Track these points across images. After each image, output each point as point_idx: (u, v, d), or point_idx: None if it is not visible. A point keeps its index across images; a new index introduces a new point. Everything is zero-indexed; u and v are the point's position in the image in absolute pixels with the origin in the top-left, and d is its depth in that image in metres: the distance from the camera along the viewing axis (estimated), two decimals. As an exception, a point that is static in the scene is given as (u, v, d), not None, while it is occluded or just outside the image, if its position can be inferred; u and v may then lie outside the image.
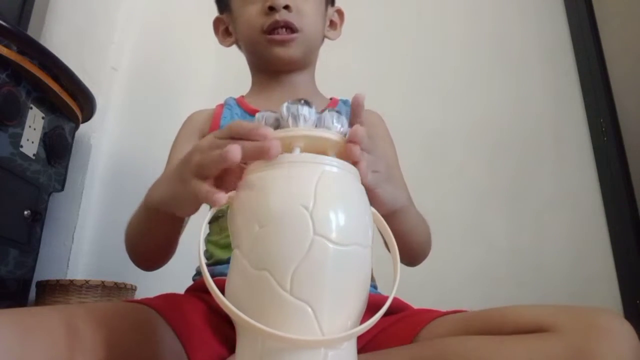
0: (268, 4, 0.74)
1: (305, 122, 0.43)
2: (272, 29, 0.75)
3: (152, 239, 0.62)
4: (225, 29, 0.87)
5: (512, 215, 1.54)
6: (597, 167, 1.53)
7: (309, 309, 0.37)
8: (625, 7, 1.60)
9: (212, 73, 1.84)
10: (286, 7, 0.75)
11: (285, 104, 0.44)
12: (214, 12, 0.89)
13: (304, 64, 0.83)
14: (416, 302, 0.64)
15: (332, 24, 0.88)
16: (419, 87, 1.75)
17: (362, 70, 1.78)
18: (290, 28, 0.76)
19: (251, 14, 0.77)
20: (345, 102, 0.86)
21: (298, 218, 0.38)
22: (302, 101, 0.44)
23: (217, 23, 0.88)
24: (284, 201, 0.39)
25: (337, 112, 0.45)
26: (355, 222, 0.40)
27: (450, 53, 1.77)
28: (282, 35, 0.76)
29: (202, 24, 1.91)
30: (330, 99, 0.87)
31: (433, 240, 0.70)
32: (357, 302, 0.40)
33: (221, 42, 0.88)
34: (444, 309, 0.61)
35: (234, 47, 0.88)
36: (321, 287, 0.37)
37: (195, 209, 0.49)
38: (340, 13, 0.90)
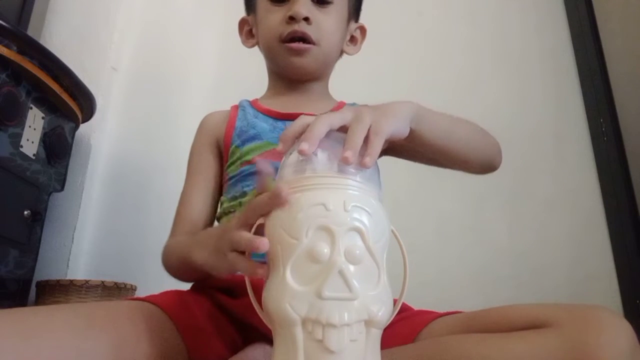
0: (289, 14, 0.77)
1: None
2: (290, 38, 0.77)
3: (191, 275, 0.68)
4: (249, 30, 0.88)
5: (512, 215, 1.54)
6: (597, 167, 1.53)
7: None
8: (625, 7, 1.60)
9: (212, 73, 1.83)
10: (306, 19, 0.77)
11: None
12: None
13: (319, 75, 0.85)
14: (417, 302, 0.64)
15: (353, 40, 0.89)
16: (419, 88, 1.74)
17: (364, 71, 1.78)
18: (307, 40, 0.78)
19: (273, 21, 0.79)
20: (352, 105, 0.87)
21: None
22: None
23: (242, 24, 0.89)
24: None
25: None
26: None
27: (451, 53, 1.77)
28: (298, 45, 0.78)
29: (202, 24, 1.92)
30: (339, 102, 0.88)
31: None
32: None
33: (244, 43, 0.89)
34: (444, 310, 0.62)
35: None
36: None
37: (232, 272, 0.51)
38: (362, 30, 0.91)
